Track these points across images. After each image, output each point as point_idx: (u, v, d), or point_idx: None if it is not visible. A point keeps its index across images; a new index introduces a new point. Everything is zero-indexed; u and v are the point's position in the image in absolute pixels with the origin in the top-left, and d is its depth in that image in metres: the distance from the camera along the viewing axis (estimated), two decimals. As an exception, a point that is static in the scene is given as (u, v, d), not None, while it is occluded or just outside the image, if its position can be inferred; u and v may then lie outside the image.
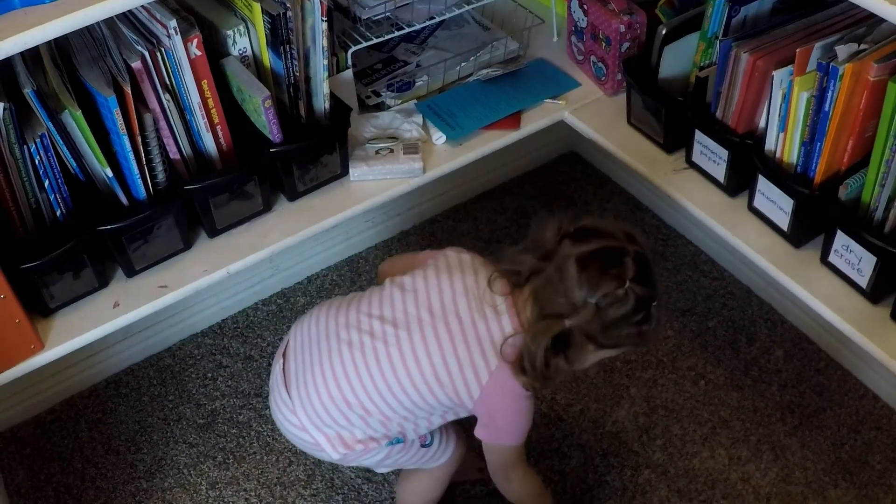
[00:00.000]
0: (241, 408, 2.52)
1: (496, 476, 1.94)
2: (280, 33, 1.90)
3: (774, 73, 1.87)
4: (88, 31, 1.83)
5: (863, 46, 1.77)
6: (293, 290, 2.78)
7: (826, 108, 1.81)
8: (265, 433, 2.46)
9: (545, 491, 2.04)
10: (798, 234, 1.99)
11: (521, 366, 1.69)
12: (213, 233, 2.02)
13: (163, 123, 1.86)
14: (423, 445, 1.94)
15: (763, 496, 2.31)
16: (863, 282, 1.89)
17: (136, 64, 1.77)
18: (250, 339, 2.67)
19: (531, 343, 1.66)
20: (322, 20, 1.92)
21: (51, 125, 1.76)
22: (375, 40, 2.18)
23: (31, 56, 1.81)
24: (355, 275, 2.80)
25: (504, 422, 1.81)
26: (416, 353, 1.73)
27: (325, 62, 1.96)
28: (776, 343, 2.59)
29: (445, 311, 1.74)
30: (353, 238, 2.82)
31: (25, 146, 1.75)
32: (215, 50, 1.97)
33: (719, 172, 2.09)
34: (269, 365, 2.57)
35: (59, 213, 1.86)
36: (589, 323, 1.64)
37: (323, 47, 1.95)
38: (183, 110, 1.88)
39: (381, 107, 2.21)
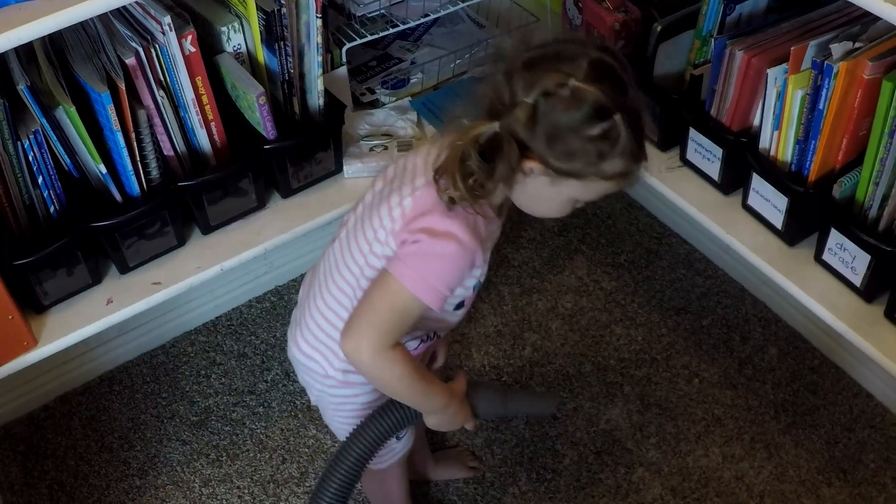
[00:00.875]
0: (235, 405, 2.51)
1: (354, 329, 1.52)
2: (274, 30, 1.90)
3: (769, 71, 1.87)
4: (83, 28, 1.82)
5: (857, 45, 1.77)
6: (287, 288, 2.77)
7: (820, 107, 1.81)
8: (258, 431, 2.46)
9: (417, 364, 1.61)
10: (792, 233, 1.99)
11: (438, 179, 1.48)
12: (207, 230, 2.02)
13: (157, 120, 1.86)
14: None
15: (757, 494, 2.31)
16: (857, 280, 1.90)
17: (131, 60, 1.77)
18: (244, 337, 2.66)
19: (453, 144, 1.45)
20: (316, 17, 1.92)
21: (44, 121, 1.76)
22: (370, 37, 2.18)
23: (26, 52, 1.81)
24: (349, 272, 2.80)
25: (413, 255, 1.50)
26: (356, 212, 1.64)
27: (320, 59, 1.96)
28: (770, 341, 2.59)
29: (397, 175, 1.58)
30: (347, 235, 2.82)
31: (19, 142, 1.75)
32: (210, 46, 1.97)
33: (713, 170, 2.09)
34: (263, 362, 2.58)
35: (52, 209, 1.86)
36: (524, 127, 1.40)
37: (317, 44, 1.95)
38: (177, 107, 1.88)
39: (375, 104, 2.21)
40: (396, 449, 1.90)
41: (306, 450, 2.42)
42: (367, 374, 1.58)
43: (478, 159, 1.43)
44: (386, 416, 1.63)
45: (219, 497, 2.35)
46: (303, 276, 2.76)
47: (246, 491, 2.36)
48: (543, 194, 1.49)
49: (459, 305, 1.67)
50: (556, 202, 1.51)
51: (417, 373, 1.57)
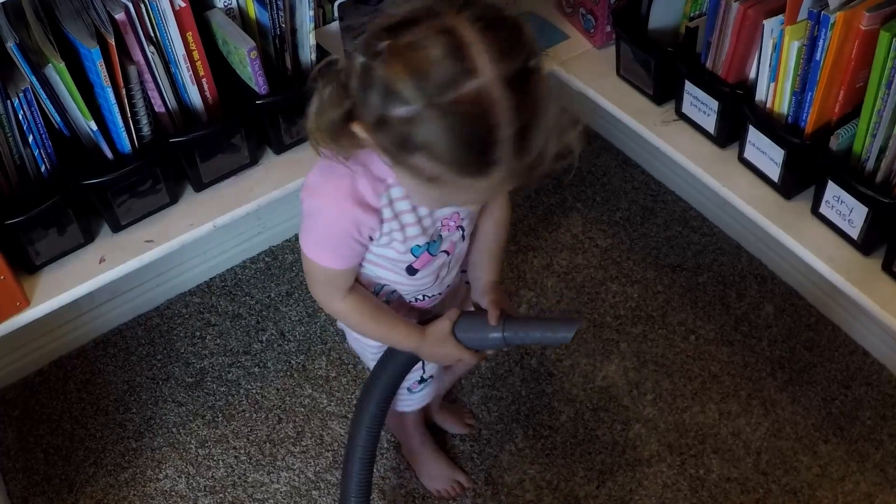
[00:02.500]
0: (230, 366, 2.51)
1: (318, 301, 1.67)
2: (265, -16, 1.88)
3: (765, 22, 1.86)
4: (71, -18, 1.81)
5: (854, -6, 1.76)
6: (281, 248, 2.76)
7: (817, 58, 1.80)
8: (254, 391, 2.46)
9: (377, 313, 1.68)
10: (789, 185, 1.99)
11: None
12: (200, 186, 2.00)
13: (147, 76, 1.85)
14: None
15: (753, 451, 2.31)
16: (854, 233, 1.89)
17: (120, 16, 1.75)
18: (238, 298, 2.65)
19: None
20: (308, -30, 1.91)
21: (34, 79, 1.75)
22: (362, -8, 2.16)
23: (14, 9, 1.79)
24: (343, 232, 2.79)
25: (302, 215, 1.54)
26: None
27: (312, 13, 1.94)
28: (766, 298, 2.59)
29: None
30: (341, 195, 2.80)
31: (9, 101, 1.73)
32: (200, 2, 1.95)
33: (709, 123, 2.08)
34: (258, 323, 2.58)
35: (43, 168, 1.85)
36: (350, 74, 1.31)
37: (309, -2, 1.94)
38: (168, 63, 1.87)
39: (368, 60, 2.19)
40: (413, 400, 1.96)
41: (302, 409, 2.42)
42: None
43: (327, 97, 1.35)
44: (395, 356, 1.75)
45: (215, 458, 2.35)
46: (296, 236, 2.77)
47: (242, 451, 2.35)
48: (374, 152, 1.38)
49: (412, 270, 1.64)
50: (413, 186, 1.39)
51: (375, 319, 1.66)
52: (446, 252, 1.66)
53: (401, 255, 1.60)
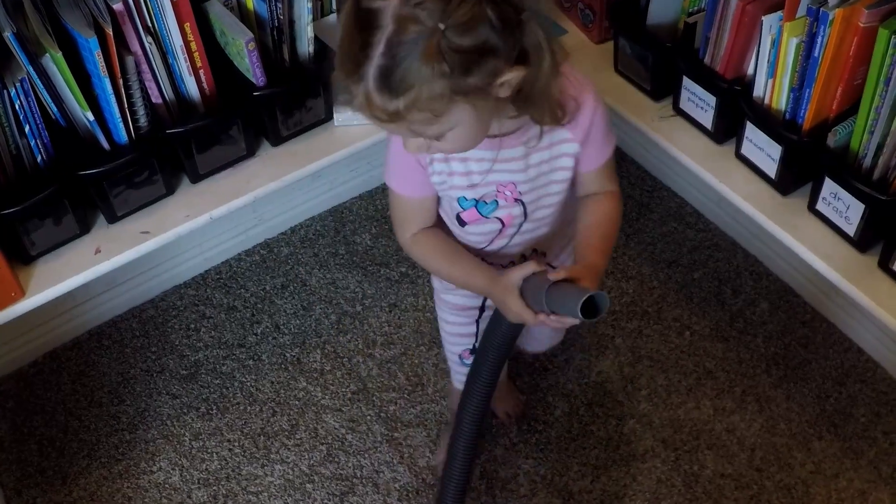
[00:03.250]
0: (225, 358, 2.51)
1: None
2: (263, -25, 1.88)
3: (764, 18, 1.86)
4: (69, -28, 1.80)
5: (853, -9, 1.76)
6: (277, 241, 2.76)
7: (815, 54, 1.80)
8: (248, 384, 2.45)
9: (450, 253, 1.73)
10: (786, 182, 1.99)
11: None
12: (196, 178, 2.00)
13: (145, 67, 1.84)
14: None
15: (748, 447, 2.31)
16: (850, 230, 1.89)
17: (118, 6, 1.75)
18: (233, 290, 2.65)
19: None
20: (306, -38, 1.90)
21: (31, 69, 1.74)
22: (360, -15, 2.16)
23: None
24: (339, 225, 2.79)
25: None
26: None
27: (310, 5, 1.94)
28: (761, 295, 2.59)
29: None
30: (337, 188, 2.80)
31: (5, 91, 1.73)
32: (198, -7, 1.94)
33: (707, 119, 2.08)
34: (253, 315, 2.57)
35: (39, 158, 1.84)
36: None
37: (307, -10, 1.93)
38: (165, 53, 1.86)
39: (366, 52, 2.18)
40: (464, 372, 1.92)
41: (296, 402, 2.42)
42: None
43: None
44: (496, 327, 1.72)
45: (209, 450, 2.35)
46: (292, 228, 2.77)
47: (236, 444, 2.35)
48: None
49: (461, 221, 1.69)
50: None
51: (446, 257, 1.71)
52: (501, 221, 1.68)
53: (450, 201, 1.67)
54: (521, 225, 1.70)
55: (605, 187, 1.70)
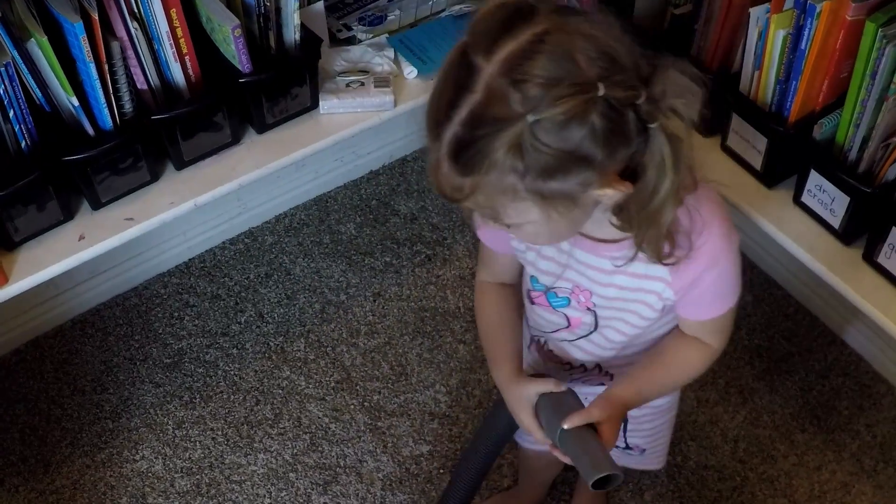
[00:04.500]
0: (208, 347, 2.50)
1: None
2: (250, -39, 1.87)
3: (751, 10, 1.86)
4: (54, -44, 1.79)
5: (841, -15, 1.76)
6: (261, 230, 2.75)
7: (802, 47, 1.80)
8: (232, 372, 2.45)
9: (495, 318, 1.63)
10: (771, 174, 1.99)
11: None
12: (181, 165, 1.99)
13: (130, 52, 1.83)
14: None
15: (731, 439, 2.32)
16: (835, 222, 1.89)
17: (104, -10, 1.74)
18: (217, 279, 2.64)
19: None
20: (293, -51, 1.89)
21: (16, 54, 1.72)
22: (347, -28, 2.16)
23: (-4, -17, 1.77)
24: (324, 214, 2.78)
25: None
26: None
27: (296, -7, 1.93)
28: (746, 288, 2.58)
29: None
30: (322, 177, 2.80)
31: (-10, 75, 1.72)
32: (184, -22, 1.93)
33: (694, 112, 2.07)
34: (237, 304, 2.57)
35: (23, 144, 1.83)
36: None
37: (293, -23, 1.92)
38: (151, 39, 1.85)
39: (352, 41, 2.17)
40: None
41: (280, 391, 2.41)
42: None
43: None
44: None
45: (192, 439, 2.34)
46: (276, 217, 2.77)
47: (220, 433, 2.35)
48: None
49: (530, 297, 1.57)
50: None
51: (491, 324, 1.61)
52: (567, 320, 1.55)
53: (526, 274, 1.55)
54: (589, 334, 1.56)
55: (702, 337, 1.51)
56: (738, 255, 1.40)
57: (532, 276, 1.52)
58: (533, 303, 1.58)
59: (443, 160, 1.16)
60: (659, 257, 1.31)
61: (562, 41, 1.11)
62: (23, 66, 1.75)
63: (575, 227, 1.31)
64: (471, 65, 1.12)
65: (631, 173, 1.20)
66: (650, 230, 1.26)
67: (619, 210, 1.26)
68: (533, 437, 1.53)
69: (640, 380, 1.52)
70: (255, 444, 2.33)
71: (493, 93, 1.10)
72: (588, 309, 1.50)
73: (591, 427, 1.43)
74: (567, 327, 1.56)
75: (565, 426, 1.42)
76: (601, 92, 1.10)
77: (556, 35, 1.12)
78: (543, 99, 1.09)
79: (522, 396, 1.52)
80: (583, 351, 1.60)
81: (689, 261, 1.34)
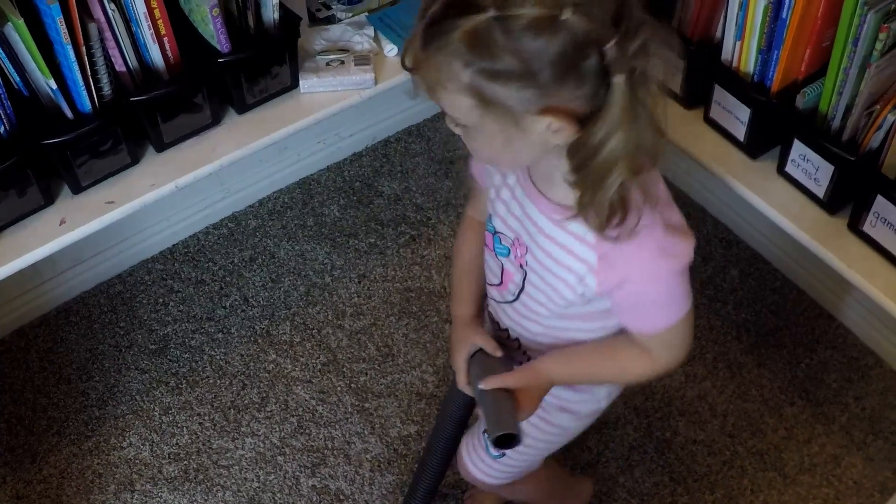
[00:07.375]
0: (194, 332, 2.49)
1: None
2: (227, -61, 1.86)
3: (732, -21, 1.85)
4: (29, -62, 1.77)
5: (822, -49, 1.75)
6: (244, 214, 2.74)
7: (784, 16, 1.79)
8: (218, 357, 2.44)
9: (465, 257, 1.70)
10: (755, 145, 1.98)
11: None
12: (161, 147, 1.97)
13: (108, 34, 1.81)
14: None
15: (720, 413, 2.32)
16: (820, 192, 1.89)
17: (80, -28, 1.72)
18: (201, 264, 2.63)
19: None
20: (270, -74, 1.88)
21: (-8, 37, 1.71)
22: (324, -49, 2.14)
23: (-29, -35, 1.76)
24: (307, 197, 2.77)
25: None
26: None
27: (275, -28, 1.92)
28: (732, 263, 2.59)
29: None
30: (304, 160, 2.78)
31: (-34, 60, 1.70)
32: (161, -41, 1.92)
33: (675, 83, 2.07)
34: (221, 289, 2.56)
35: (1, 128, 1.81)
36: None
37: (272, -44, 1.91)
38: (129, 20, 1.83)
39: (331, 20, 2.16)
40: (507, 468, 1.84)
41: (266, 375, 2.41)
42: None
43: None
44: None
45: (179, 424, 2.33)
46: (260, 201, 2.76)
47: (206, 417, 2.34)
48: None
49: (485, 241, 1.58)
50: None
51: (463, 259, 1.69)
52: (502, 274, 1.55)
53: (490, 207, 1.54)
54: (514, 298, 1.55)
55: (652, 351, 1.49)
56: (680, 265, 1.40)
57: (491, 215, 1.53)
58: (486, 245, 1.58)
59: (417, 34, 1.20)
60: (602, 226, 1.28)
61: None
62: (0, 51, 1.74)
63: (515, 154, 1.29)
64: None
65: (585, 121, 1.20)
66: (597, 193, 1.24)
67: (571, 157, 1.25)
68: (458, 380, 1.62)
69: (572, 360, 1.55)
70: (243, 429, 2.32)
71: None
72: (521, 266, 1.49)
73: (510, 392, 1.51)
74: (499, 285, 1.57)
75: (481, 386, 1.52)
76: (565, 16, 1.11)
77: None
78: (514, 2, 1.11)
79: (466, 341, 1.60)
80: (508, 317, 1.62)
81: (621, 255, 1.33)
